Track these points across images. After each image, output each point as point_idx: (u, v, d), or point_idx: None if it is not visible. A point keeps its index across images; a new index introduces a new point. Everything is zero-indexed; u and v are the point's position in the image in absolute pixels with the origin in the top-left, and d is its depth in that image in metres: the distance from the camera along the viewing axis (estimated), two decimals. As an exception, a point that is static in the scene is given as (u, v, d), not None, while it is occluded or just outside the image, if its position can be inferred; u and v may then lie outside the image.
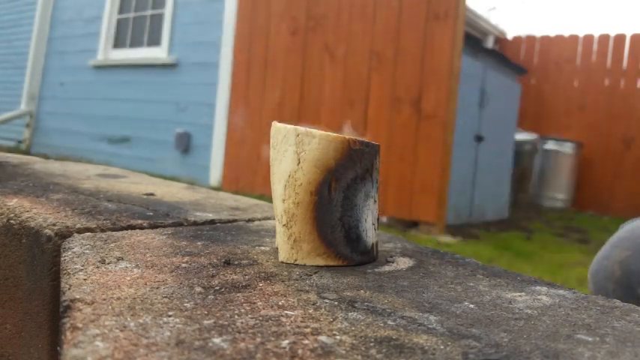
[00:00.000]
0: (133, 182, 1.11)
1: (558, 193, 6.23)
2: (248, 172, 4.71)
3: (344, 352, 0.34)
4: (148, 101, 5.64)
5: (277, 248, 0.59)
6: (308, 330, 0.37)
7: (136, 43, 5.97)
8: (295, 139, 0.55)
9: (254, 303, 0.43)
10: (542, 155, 6.16)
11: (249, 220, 0.82)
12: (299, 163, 0.55)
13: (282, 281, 0.50)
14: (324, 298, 0.45)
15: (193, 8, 5.40)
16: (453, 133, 3.81)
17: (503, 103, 4.75)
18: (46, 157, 1.77)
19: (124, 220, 0.71)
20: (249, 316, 0.40)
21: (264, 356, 0.32)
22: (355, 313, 0.42)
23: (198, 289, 0.45)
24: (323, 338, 0.36)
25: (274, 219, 0.61)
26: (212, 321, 0.38)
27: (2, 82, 7.41)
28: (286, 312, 0.41)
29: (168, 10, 5.58)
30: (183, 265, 0.53)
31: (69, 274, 0.48)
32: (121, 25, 6.17)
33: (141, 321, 0.37)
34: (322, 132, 0.55)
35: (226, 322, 0.38)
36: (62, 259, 0.54)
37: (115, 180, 1.12)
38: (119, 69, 6.00)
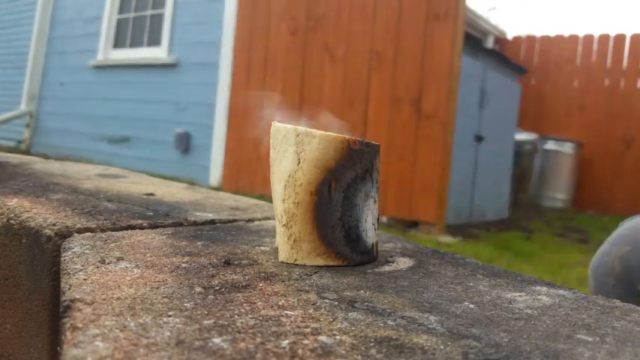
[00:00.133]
0: (133, 182, 1.11)
1: (558, 193, 6.23)
2: (248, 172, 4.71)
3: (344, 352, 0.34)
4: (148, 101, 5.64)
5: (277, 248, 0.59)
6: (308, 330, 0.37)
7: (135, 43, 5.98)
8: (295, 139, 0.55)
9: (254, 303, 0.43)
10: (542, 155, 6.16)
11: (249, 220, 0.82)
12: (299, 163, 0.55)
13: (282, 281, 0.50)
14: (324, 298, 0.45)
15: (193, 8, 5.40)
16: (453, 133, 3.81)
17: (503, 103, 4.75)
18: (46, 157, 1.77)
19: (124, 220, 0.71)
20: (249, 316, 0.40)
21: (264, 356, 0.32)
22: (355, 313, 0.42)
23: (198, 289, 0.45)
24: (323, 338, 0.36)
25: (274, 219, 0.61)
26: (212, 321, 0.38)
27: (2, 82, 7.41)
28: (286, 312, 0.41)
29: (168, 10, 5.58)
30: (183, 265, 0.53)
31: (69, 274, 0.48)
32: (121, 25, 6.17)
33: (141, 321, 0.37)
34: (322, 132, 0.55)
35: (226, 322, 0.38)
36: (62, 259, 0.54)
37: (115, 180, 1.12)
38: (119, 69, 6.00)
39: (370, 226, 0.58)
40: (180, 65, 5.42)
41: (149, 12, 5.88)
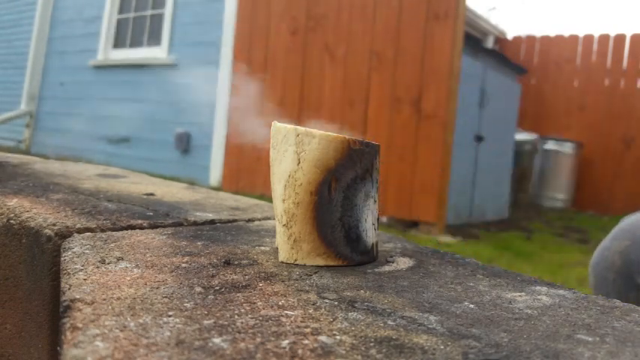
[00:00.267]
0: (133, 182, 1.11)
1: (558, 193, 6.23)
2: (248, 172, 4.71)
3: (344, 352, 0.34)
4: (148, 101, 5.64)
5: (277, 248, 0.59)
6: (308, 330, 0.37)
7: (135, 43, 5.98)
8: (295, 139, 0.55)
9: (254, 303, 0.43)
10: (542, 155, 6.16)
11: (249, 220, 0.82)
12: (299, 163, 0.55)
13: (282, 281, 0.50)
14: (324, 298, 0.45)
15: (193, 8, 5.40)
16: (453, 133, 3.81)
17: (503, 103, 4.75)
18: (46, 157, 1.77)
19: (124, 220, 0.71)
20: (249, 316, 0.40)
21: (264, 356, 0.32)
22: (355, 313, 0.42)
23: (198, 289, 0.45)
24: (323, 338, 0.36)
25: (274, 219, 0.61)
26: (212, 321, 0.38)
27: (2, 82, 7.41)
28: (286, 312, 0.41)
29: (168, 10, 5.58)
30: (183, 265, 0.53)
31: (69, 274, 0.48)
32: (121, 25, 6.17)
33: (141, 321, 0.37)
34: (322, 132, 0.55)
35: (226, 322, 0.38)
36: (62, 259, 0.54)
37: (115, 180, 1.12)
38: (119, 69, 6.00)
39: (370, 226, 0.58)
40: (180, 65, 5.42)
41: (149, 12, 5.88)
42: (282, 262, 0.57)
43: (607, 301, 0.50)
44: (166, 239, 0.63)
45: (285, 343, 0.35)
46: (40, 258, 0.62)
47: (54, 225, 0.63)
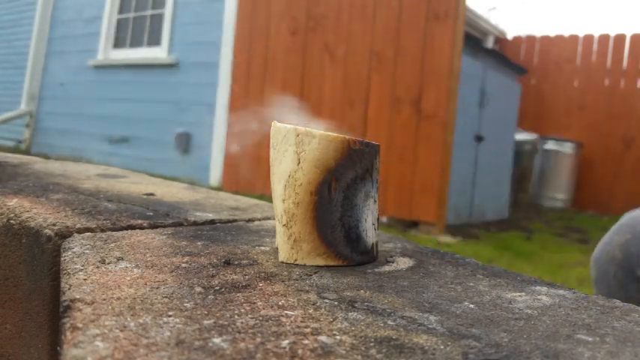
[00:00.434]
0: (133, 182, 1.11)
1: (558, 193, 6.23)
2: (248, 172, 4.71)
3: (344, 352, 0.34)
4: (148, 101, 5.64)
5: (277, 248, 0.59)
6: (308, 330, 0.37)
7: (136, 43, 5.98)
8: (295, 139, 0.55)
9: (254, 303, 0.43)
10: (542, 155, 6.16)
11: (249, 220, 0.82)
12: (299, 163, 0.55)
13: (282, 281, 0.50)
14: (324, 298, 0.45)
15: (193, 8, 5.40)
16: (453, 133, 3.81)
17: (503, 103, 4.75)
18: (46, 157, 1.77)
19: (124, 220, 0.71)
20: (249, 316, 0.40)
21: (264, 356, 0.32)
22: (355, 313, 0.42)
23: (198, 289, 0.45)
24: (323, 338, 0.36)
25: (274, 219, 0.61)
26: (212, 321, 0.38)
27: (2, 82, 7.41)
28: (286, 312, 0.41)
29: (168, 10, 5.58)
30: (183, 265, 0.53)
31: (69, 274, 0.48)
32: (121, 25, 6.17)
33: (141, 321, 0.37)
34: (322, 132, 0.55)
35: (226, 322, 0.38)
36: (62, 259, 0.54)
37: (115, 180, 1.12)
38: (119, 69, 6.00)
39: (370, 226, 0.58)
40: (180, 65, 5.42)
41: (149, 12, 5.88)
42: (282, 262, 0.57)
43: (607, 301, 0.50)
44: (166, 239, 0.63)
45: (285, 343, 0.35)
46: (40, 258, 0.62)
47: (54, 225, 0.63)
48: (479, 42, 5.14)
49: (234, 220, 0.80)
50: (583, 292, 0.53)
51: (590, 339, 0.39)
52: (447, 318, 0.42)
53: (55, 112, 6.62)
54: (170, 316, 0.38)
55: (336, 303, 0.44)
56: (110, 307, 0.39)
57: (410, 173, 3.88)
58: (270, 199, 0.67)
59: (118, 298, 0.41)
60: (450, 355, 0.34)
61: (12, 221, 0.69)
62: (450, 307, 0.45)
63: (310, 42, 4.48)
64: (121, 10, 6.16)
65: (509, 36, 7.66)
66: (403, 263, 0.60)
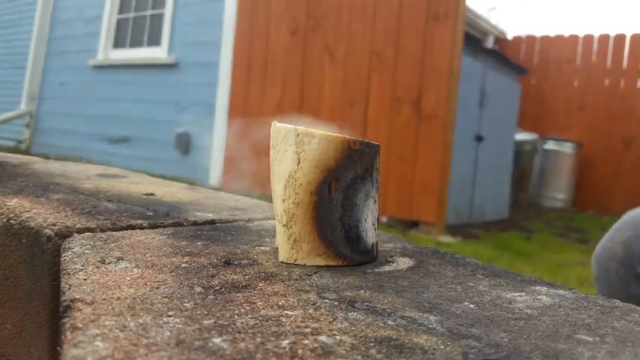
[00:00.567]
0: (133, 182, 1.11)
1: (558, 193, 6.23)
2: (248, 172, 4.71)
3: (344, 352, 0.34)
4: (148, 101, 5.64)
5: (277, 248, 0.59)
6: (308, 330, 0.37)
7: (135, 43, 5.97)
8: (295, 139, 0.55)
9: (254, 303, 0.43)
10: (542, 155, 6.16)
11: (249, 220, 0.82)
12: (299, 163, 0.55)
13: (282, 281, 0.50)
14: (324, 298, 0.45)
15: (193, 8, 5.40)
16: (453, 133, 3.81)
17: (503, 103, 4.75)
18: (46, 157, 1.77)
19: (124, 220, 0.71)
20: (249, 316, 0.40)
21: (264, 356, 0.32)
22: (355, 313, 0.42)
23: (198, 289, 0.45)
24: (323, 338, 0.36)
25: (274, 219, 0.61)
26: (212, 321, 0.38)
27: (2, 82, 7.41)
28: (286, 312, 0.41)
29: (168, 10, 5.58)
30: (183, 265, 0.53)
31: (69, 274, 0.48)
32: (121, 25, 6.17)
33: (141, 321, 0.37)
34: (322, 132, 0.55)
35: (226, 322, 0.38)
36: (62, 259, 0.54)
37: (115, 180, 1.12)
38: (119, 69, 6.00)
39: (370, 226, 0.58)
40: (180, 65, 5.42)
41: (149, 12, 5.88)
42: (282, 262, 0.57)
43: (607, 301, 0.50)
44: (166, 239, 0.63)
45: (285, 343, 0.35)
46: (40, 258, 0.62)
47: (54, 225, 0.63)
48: (479, 42, 5.14)
49: (234, 220, 0.80)
50: (583, 292, 0.53)
51: (590, 339, 0.39)
52: (447, 318, 0.42)
53: (55, 112, 6.62)
54: (170, 316, 0.38)
55: (336, 303, 0.44)
56: (110, 307, 0.39)
57: (410, 173, 3.88)
58: (270, 199, 0.67)
59: (118, 298, 0.41)
60: (450, 355, 0.34)
61: (12, 221, 0.69)
62: (450, 307, 0.45)
63: (310, 42, 4.48)
64: (121, 10, 6.16)
65: (509, 36, 7.66)
66: (403, 263, 0.60)
